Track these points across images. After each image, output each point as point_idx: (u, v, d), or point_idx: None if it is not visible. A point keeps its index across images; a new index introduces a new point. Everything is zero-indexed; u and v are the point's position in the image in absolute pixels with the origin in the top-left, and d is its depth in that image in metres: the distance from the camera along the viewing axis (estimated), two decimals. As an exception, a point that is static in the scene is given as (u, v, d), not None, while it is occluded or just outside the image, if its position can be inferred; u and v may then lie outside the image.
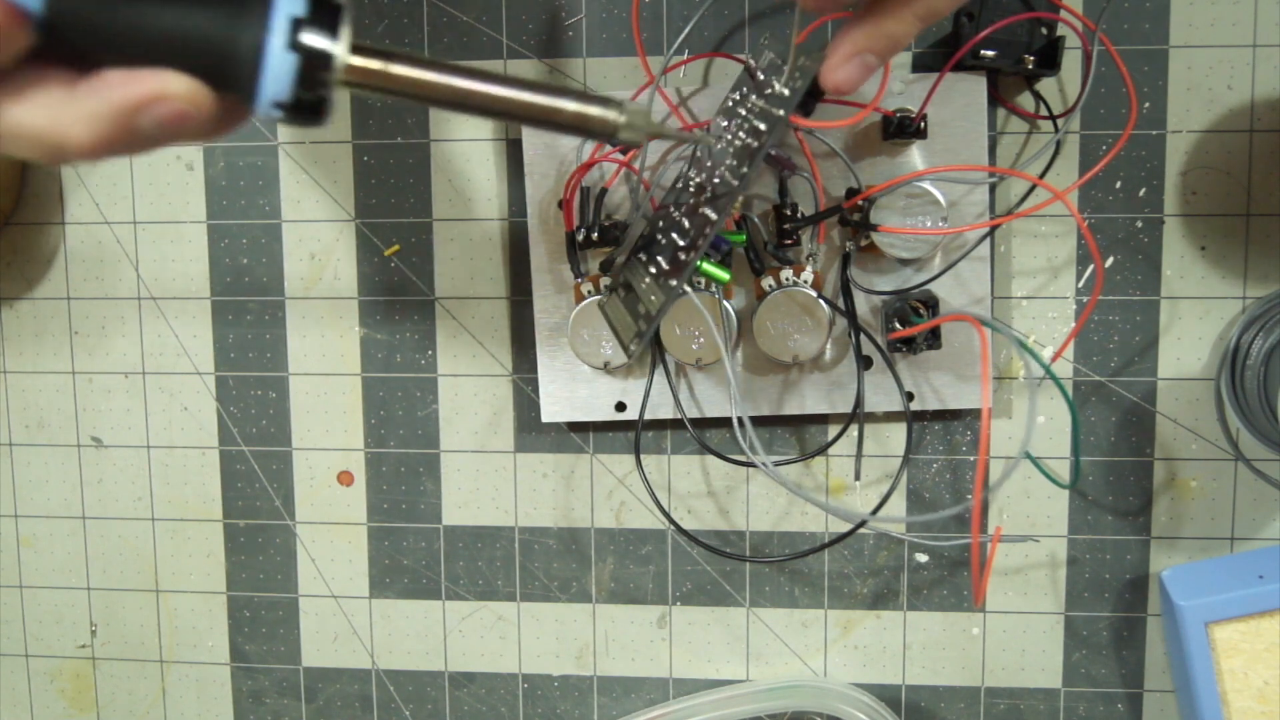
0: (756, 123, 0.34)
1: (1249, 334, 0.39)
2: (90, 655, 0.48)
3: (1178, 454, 0.42)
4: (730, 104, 0.36)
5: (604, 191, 0.40)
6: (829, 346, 0.41)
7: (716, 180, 0.35)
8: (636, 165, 0.39)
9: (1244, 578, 0.40)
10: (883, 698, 0.44)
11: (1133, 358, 0.42)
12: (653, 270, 0.36)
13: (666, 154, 0.40)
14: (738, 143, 0.35)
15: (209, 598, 0.47)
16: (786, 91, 0.33)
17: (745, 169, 0.34)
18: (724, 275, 0.37)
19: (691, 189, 0.36)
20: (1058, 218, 0.41)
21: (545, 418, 0.42)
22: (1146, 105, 0.40)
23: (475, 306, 0.44)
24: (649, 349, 0.41)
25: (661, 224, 0.37)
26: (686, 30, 0.40)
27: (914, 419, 0.42)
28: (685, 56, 0.42)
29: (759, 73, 0.35)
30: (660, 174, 0.40)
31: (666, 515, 0.43)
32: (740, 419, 0.40)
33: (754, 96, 0.35)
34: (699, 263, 0.35)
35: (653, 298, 0.35)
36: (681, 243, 0.35)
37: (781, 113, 0.33)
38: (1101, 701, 0.43)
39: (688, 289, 0.37)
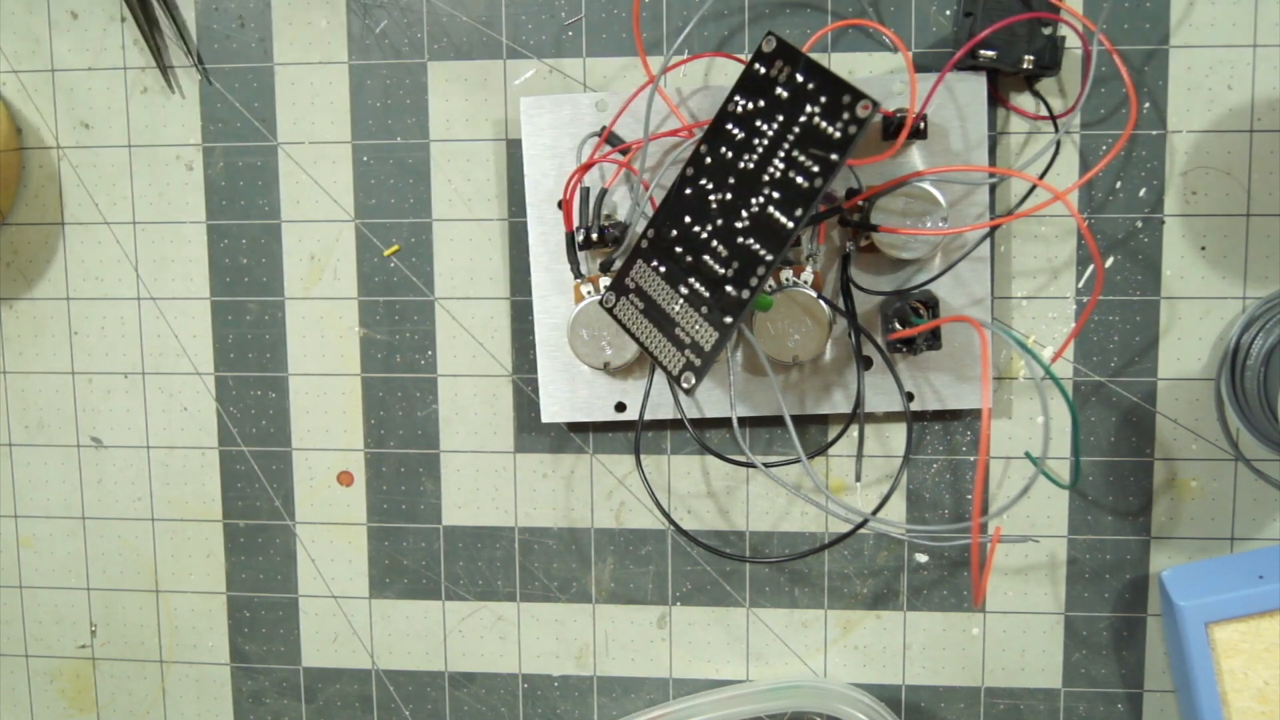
0: (799, 156, 0.34)
1: (1249, 334, 0.39)
2: (90, 655, 0.48)
3: (1178, 454, 0.42)
4: (739, 110, 0.36)
5: (604, 191, 0.40)
6: (829, 346, 0.41)
7: (755, 208, 0.35)
8: (636, 165, 0.39)
9: (1244, 578, 0.40)
10: (883, 698, 0.44)
11: (1133, 358, 0.42)
12: (684, 291, 0.37)
13: (667, 154, 0.40)
14: (774, 170, 0.35)
15: (209, 598, 0.47)
16: (837, 134, 0.33)
17: (800, 212, 0.34)
18: (768, 303, 0.39)
19: (714, 203, 0.36)
20: (1058, 218, 0.41)
21: (545, 418, 0.42)
22: (1146, 105, 0.40)
23: (475, 306, 0.44)
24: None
25: (676, 234, 0.37)
26: (686, 30, 0.40)
27: (914, 419, 0.42)
28: (685, 56, 0.42)
29: (777, 85, 0.35)
30: (660, 174, 0.40)
31: (666, 515, 0.43)
32: (797, 418, 0.40)
33: (780, 117, 0.35)
34: None
35: (697, 327, 0.36)
36: (720, 270, 0.36)
37: (835, 157, 0.33)
38: (1101, 701, 0.43)
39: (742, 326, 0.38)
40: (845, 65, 0.41)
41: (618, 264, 0.40)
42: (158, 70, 0.44)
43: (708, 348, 0.36)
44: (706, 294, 0.36)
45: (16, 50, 0.45)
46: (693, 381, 0.36)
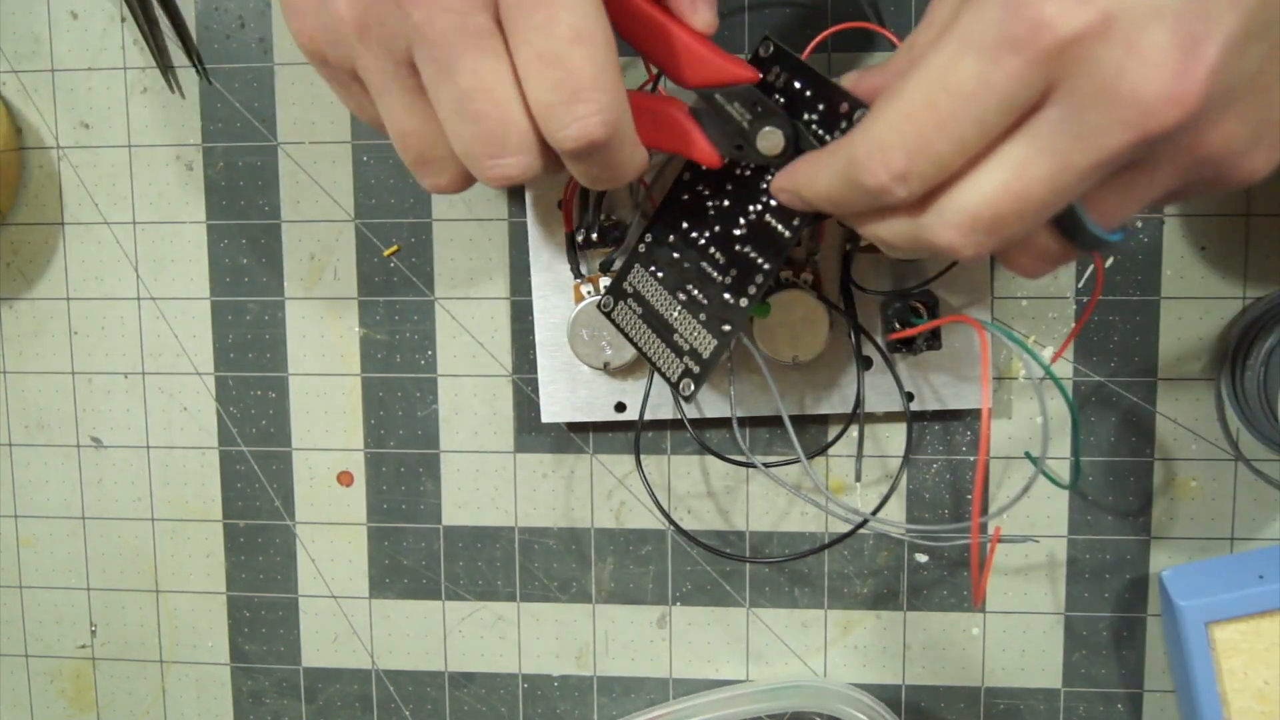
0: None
1: (1249, 334, 0.39)
2: (90, 655, 0.48)
3: (1178, 454, 0.42)
4: (741, 119, 0.36)
5: (604, 192, 0.40)
6: (829, 346, 0.41)
7: (753, 215, 0.35)
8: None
9: (1244, 578, 0.40)
10: (883, 698, 0.44)
11: (1133, 358, 0.42)
12: (682, 298, 0.36)
13: (667, 154, 0.40)
14: (772, 177, 0.35)
15: (209, 598, 0.47)
16: (829, 139, 0.33)
17: (798, 221, 0.34)
18: (765, 310, 0.39)
19: (711, 210, 0.36)
20: (1058, 218, 0.41)
21: (545, 418, 0.42)
22: (1146, 105, 0.40)
23: (475, 306, 0.44)
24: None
25: (673, 239, 0.37)
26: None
27: (914, 419, 0.42)
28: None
29: (774, 90, 0.35)
30: (660, 174, 0.40)
31: (666, 515, 0.43)
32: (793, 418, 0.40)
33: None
34: None
35: (696, 334, 0.36)
36: (719, 277, 0.35)
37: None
38: (1101, 701, 0.43)
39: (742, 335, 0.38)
40: (845, 67, 0.41)
41: (616, 265, 0.40)
42: (158, 70, 0.44)
43: (706, 355, 0.36)
44: (705, 301, 0.36)
45: (16, 50, 0.45)
46: (692, 389, 0.36)
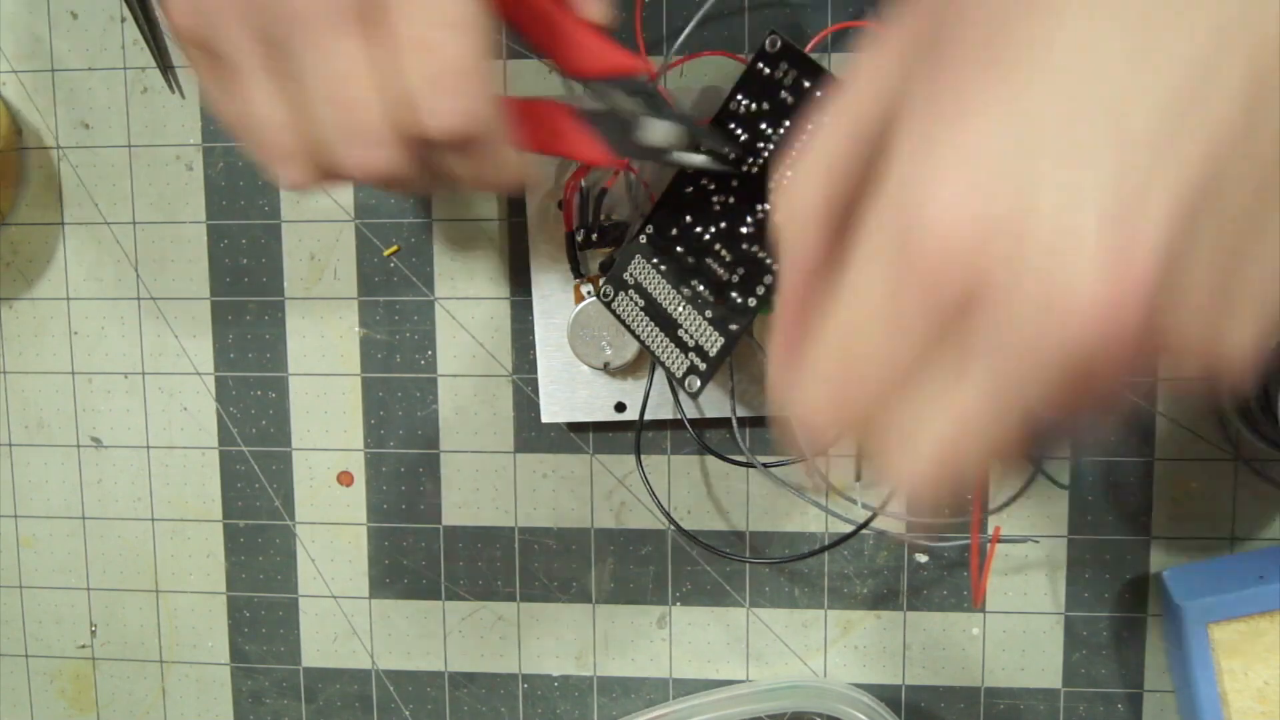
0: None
1: (1249, 334, 0.39)
2: (90, 655, 0.48)
3: (1178, 454, 0.42)
4: (741, 110, 0.36)
5: (603, 192, 0.40)
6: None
7: (761, 214, 0.35)
8: (636, 166, 0.39)
9: (1244, 578, 0.40)
10: (883, 698, 0.44)
11: (1133, 358, 0.42)
12: (686, 293, 0.36)
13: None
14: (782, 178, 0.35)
15: (209, 598, 0.47)
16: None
17: None
18: (770, 309, 0.38)
19: (716, 205, 0.36)
20: (1058, 218, 0.41)
21: (545, 418, 0.42)
22: (1146, 105, 0.40)
23: (475, 306, 0.44)
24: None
25: (676, 232, 0.37)
26: (687, 30, 0.40)
27: (914, 419, 0.42)
28: (685, 55, 0.42)
29: (781, 88, 0.35)
30: (660, 173, 0.40)
31: (666, 515, 0.43)
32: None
33: (786, 122, 0.34)
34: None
35: (701, 330, 0.36)
36: (724, 275, 0.35)
37: None
38: (1101, 701, 0.43)
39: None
40: (846, 66, 0.41)
41: (617, 263, 0.40)
42: (158, 70, 0.44)
43: (713, 352, 0.36)
44: (710, 297, 0.36)
45: (16, 50, 0.45)
46: (698, 386, 0.36)
